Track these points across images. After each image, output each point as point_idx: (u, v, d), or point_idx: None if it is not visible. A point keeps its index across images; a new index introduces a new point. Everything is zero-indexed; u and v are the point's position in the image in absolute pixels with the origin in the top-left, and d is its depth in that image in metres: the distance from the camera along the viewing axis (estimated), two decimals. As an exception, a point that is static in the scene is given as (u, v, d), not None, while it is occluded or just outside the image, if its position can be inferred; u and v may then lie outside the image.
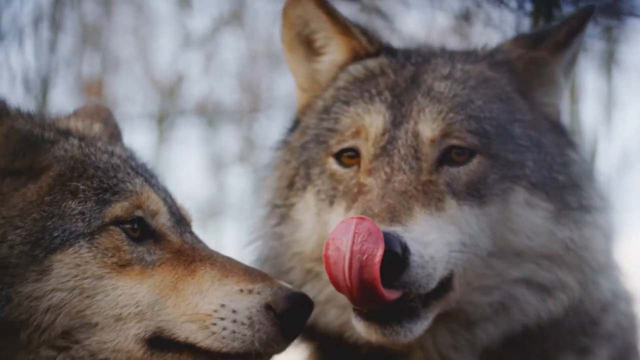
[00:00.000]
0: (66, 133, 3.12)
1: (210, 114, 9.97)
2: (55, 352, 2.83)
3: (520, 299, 3.30)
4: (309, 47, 3.59)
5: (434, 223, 3.15)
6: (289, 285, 2.93)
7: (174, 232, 2.99)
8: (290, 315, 2.87)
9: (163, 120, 9.75)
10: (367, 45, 3.55)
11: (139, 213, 2.95)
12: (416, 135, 3.29)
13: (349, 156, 3.35)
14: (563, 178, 3.38)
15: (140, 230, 2.94)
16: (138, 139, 10.20)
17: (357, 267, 2.93)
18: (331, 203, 3.33)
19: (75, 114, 3.41)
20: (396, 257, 3.00)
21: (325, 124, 3.44)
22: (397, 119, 3.33)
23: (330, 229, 3.20)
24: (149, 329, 2.83)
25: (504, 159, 3.32)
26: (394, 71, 3.47)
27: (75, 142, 3.06)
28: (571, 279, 3.33)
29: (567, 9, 4.02)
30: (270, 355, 2.91)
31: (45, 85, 5.85)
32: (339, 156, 3.37)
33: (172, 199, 3.12)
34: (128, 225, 2.93)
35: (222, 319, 2.82)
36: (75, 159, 2.99)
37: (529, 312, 3.32)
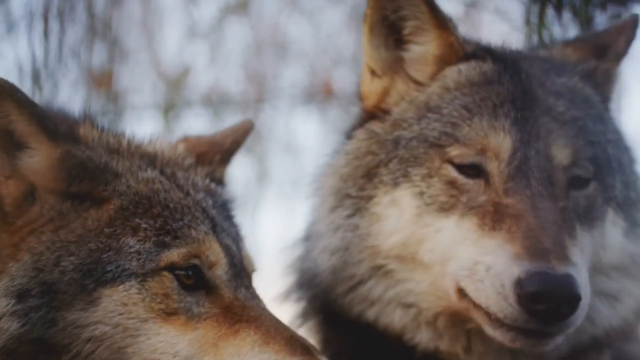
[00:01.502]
0: (150, 160, 3.10)
1: (215, 104, 9.97)
2: None
3: (591, 309, 3.30)
4: (393, 32, 3.49)
5: (579, 256, 3.17)
6: None
7: (229, 286, 2.96)
8: None
9: (169, 110, 9.76)
10: (463, 44, 3.47)
11: (195, 262, 2.93)
12: (549, 158, 3.26)
13: (469, 167, 3.28)
14: (634, 195, 3.45)
15: (195, 278, 2.93)
16: (144, 130, 10.22)
17: None
18: (444, 210, 3.25)
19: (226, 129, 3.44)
20: (576, 303, 3.02)
21: (437, 125, 3.35)
22: (524, 137, 3.28)
23: (445, 237, 3.20)
24: None
25: (605, 183, 3.36)
26: (509, 81, 3.39)
27: (152, 175, 3.03)
28: (635, 287, 3.42)
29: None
30: None
31: (53, 77, 5.85)
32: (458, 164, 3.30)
33: (238, 247, 3.09)
34: (182, 272, 2.92)
35: None
36: (140, 195, 2.97)
37: (598, 321, 3.38)
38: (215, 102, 10.01)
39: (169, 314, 2.86)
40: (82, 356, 2.82)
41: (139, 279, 2.86)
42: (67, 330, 2.81)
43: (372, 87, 3.52)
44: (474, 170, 3.27)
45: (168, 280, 2.89)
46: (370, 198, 3.37)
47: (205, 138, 3.49)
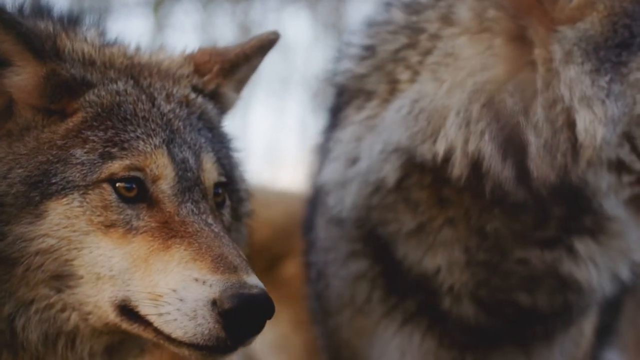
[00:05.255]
0: (129, 71, 3.06)
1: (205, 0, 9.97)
2: (52, 291, 2.88)
3: None
4: None
5: None
6: (253, 282, 2.78)
7: (172, 200, 2.91)
8: (234, 316, 2.73)
9: (159, 6, 9.77)
10: None
11: (137, 174, 2.89)
12: None
13: None
14: None
15: (137, 191, 2.89)
16: (134, 26, 10.24)
17: None
18: None
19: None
20: None
21: None
22: None
23: None
24: (119, 296, 2.83)
25: None
26: None
27: (122, 86, 3.00)
28: None
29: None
30: (220, 352, 2.82)
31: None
32: None
33: (197, 160, 2.99)
34: (122, 184, 2.88)
35: (168, 303, 2.76)
36: (103, 107, 2.95)
37: None
38: (205, -3, 10.00)
39: (107, 227, 2.84)
40: (32, 269, 2.85)
41: (81, 192, 2.85)
42: (16, 244, 2.83)
43: None
44: None
45: (107, 193, 2.86)
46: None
47: (217, 48, 3.35)
